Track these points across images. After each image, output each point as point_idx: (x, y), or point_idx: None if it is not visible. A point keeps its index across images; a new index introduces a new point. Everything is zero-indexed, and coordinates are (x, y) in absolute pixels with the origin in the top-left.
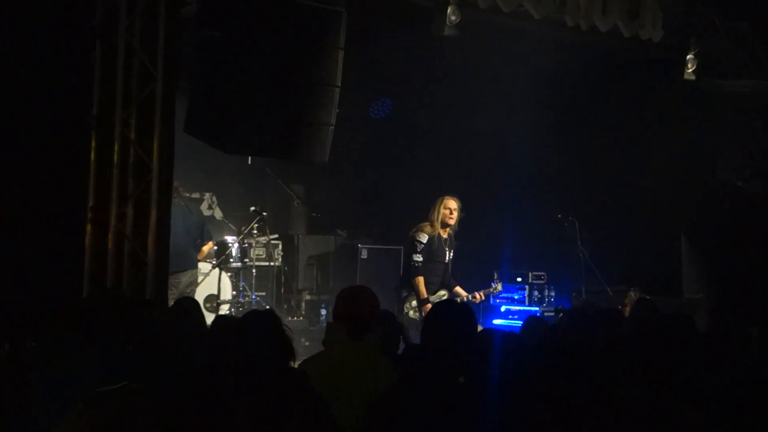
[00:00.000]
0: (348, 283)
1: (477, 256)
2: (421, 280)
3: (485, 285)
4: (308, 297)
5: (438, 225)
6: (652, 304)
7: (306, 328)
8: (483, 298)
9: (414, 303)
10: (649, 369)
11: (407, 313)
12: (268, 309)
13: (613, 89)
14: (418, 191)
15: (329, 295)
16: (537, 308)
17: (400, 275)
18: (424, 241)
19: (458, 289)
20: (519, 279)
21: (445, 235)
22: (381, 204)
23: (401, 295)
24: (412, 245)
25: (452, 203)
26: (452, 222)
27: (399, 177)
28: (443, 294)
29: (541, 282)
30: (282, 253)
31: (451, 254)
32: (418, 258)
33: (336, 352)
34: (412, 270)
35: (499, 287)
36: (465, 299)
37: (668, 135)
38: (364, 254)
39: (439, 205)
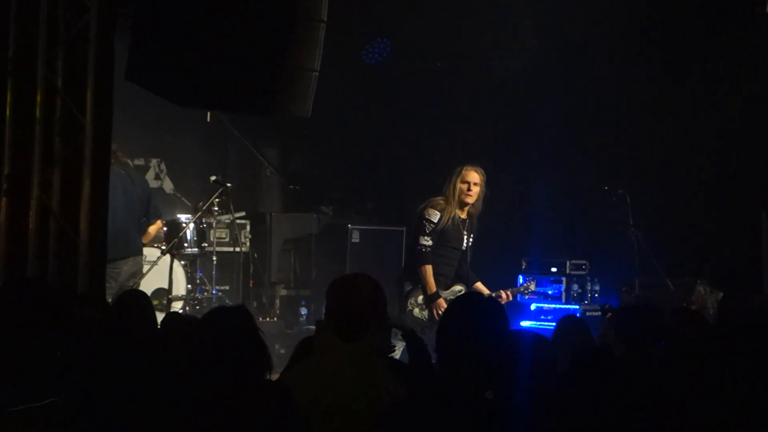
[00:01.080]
0: (334, 275)
1: (499, 238)
2: (429, 269)
3: (510, 280)
4: (284, 292)
5: (454, 202)
6: (748, 302)
7: (281, 331)
8: (510, 298)
9: (420, 299)
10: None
11: (411, 311)
12: (239, 305)
13: (673, 26)
14: (423, 157)
15: (311, 290)
16: (577, 306)
17: (403, 264)
18: (435, 220)
19: (479, 285)
20: (553, 269)
21: (463, 215)
22: (377, 173)
23: (404, 289)
24: (419, 225)
25: (473, 175)
26: (471, 200)
27: (399, 139)
28: (459, 290)
29: (582, 273)
30: (250, 236)
31: (471, 240)
32: (427, 241)
33: (327, 359)
34: (419, 256)
35: (532, 286)
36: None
37: (745, 85)
38: (356, 237)
39: (456, 178)
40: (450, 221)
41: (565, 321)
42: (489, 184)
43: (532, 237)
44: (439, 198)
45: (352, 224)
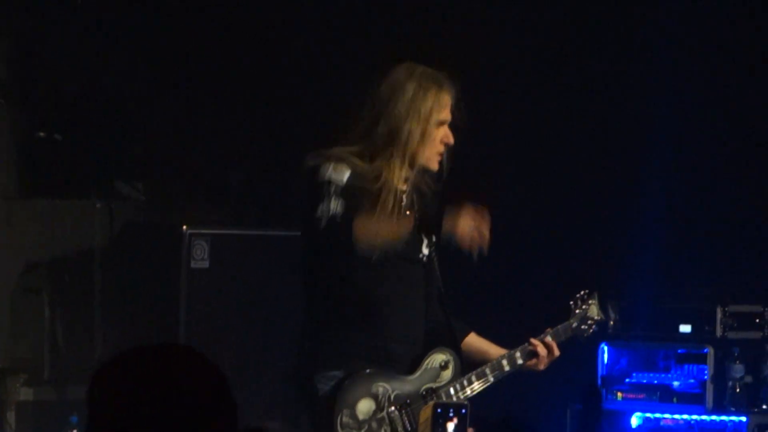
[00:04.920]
0: (147, 338)
1: (545, 260)
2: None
3: (557, 316)
4: (27, 392)
5: (402, 160)
6: None
7: None
8: (555, 343)
9: (362, 405)
10: None
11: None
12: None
13: None
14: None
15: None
16: (743, 418)
17: (304, 309)
18: (343, 180)
19: (473, 339)
20: (684, 327)
21: (404, 186)
22: (253, 109)
23: (316, 386)
24: (312, 197)
25: (447, 97)
26: (441, 157)
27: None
28: (444, 360)
29: (755, 336)
30: None
31: (433, 246)
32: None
33: None
34: (326, 280)
35: (595, 310)
36: (501, 367)
37: None
38: (201, 253)
39: (420, 104)
40: (386, 194)
41: None
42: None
43: (634, 253)
44: (342, 147)
45: (191, 225)
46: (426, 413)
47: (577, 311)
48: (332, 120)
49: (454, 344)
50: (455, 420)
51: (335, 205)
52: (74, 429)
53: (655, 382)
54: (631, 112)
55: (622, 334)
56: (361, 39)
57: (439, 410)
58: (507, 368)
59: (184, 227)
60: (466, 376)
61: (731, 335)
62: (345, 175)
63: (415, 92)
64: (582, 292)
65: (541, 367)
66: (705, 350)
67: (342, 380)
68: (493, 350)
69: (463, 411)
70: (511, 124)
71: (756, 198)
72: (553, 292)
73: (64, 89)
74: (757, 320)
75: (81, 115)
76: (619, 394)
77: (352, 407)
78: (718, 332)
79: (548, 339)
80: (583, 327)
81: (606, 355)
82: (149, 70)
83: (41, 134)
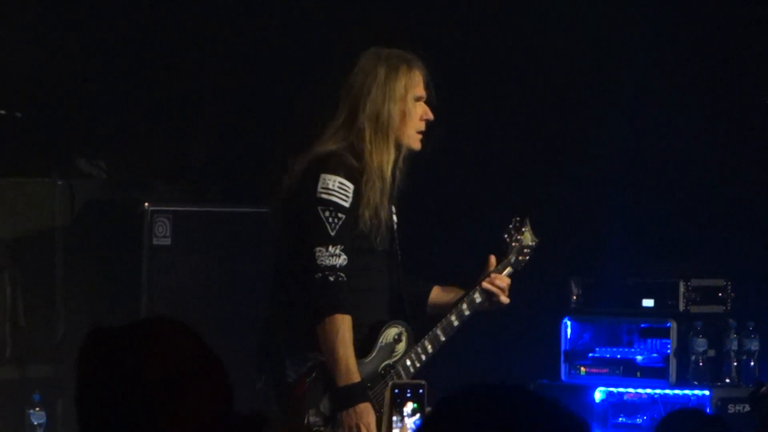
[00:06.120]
0: (113, 321)
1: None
2: (343, 324)
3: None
4: None
5: (388, 150)
6: None
7: None
8: (503, 277)
9: (325, 404)
10: None
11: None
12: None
13: None
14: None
15: (55, 365)
16: (706, 391)
17: (268, 315)
18: (347, 198)
19: (437, 293)
20: (647, 302)
21: (389, 172)
22: (214, 81)
23: (283, 375)
24: (312, 220)
25: (418, 73)
26: (422, 135)
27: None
28: (396, 333)
29: (718, 310)
30: None
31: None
32: (335, 256)
33: None
34: (320, 295)
35: (529, 237)
36: (477, 302)
37: None
38: (163, 230)
39: (395, 85)
40: (378, 198)
41: (681, 426)
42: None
43: (598, 230)
44: (333, 144)
45: (152, 202)
46: (389, 394)
47: (514, 244)
48: (294, 97)
49: (404, 316)
50: (413, 400)
51: (339, 226)
52: (36, 407)
53: (618, 356)
54: (596, 90)
55: (585, 309)
56: (314, 17)
57: (396, 391)
58: (456, 322)
59: (146, 204)
60: (419, 344)
61: (694, 309)
62: (350, 195)
63: (387, 74)
64: (513, 221)
65: (504, 299)
66: (668, 324)
67: (307, 374)
68: (455, 298)
69: (420, 391)
70: (484, 102)
71: (719, 173)
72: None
73: (23, 66)
74: (720, 294)
75: (41, 92)
76: (582, 369)
77: (317, 405)
78: (681, 306)
79: (492, 265)
80: (520, 258)
81: (569, 330)
82: (110, 47)
83: (1, 112)
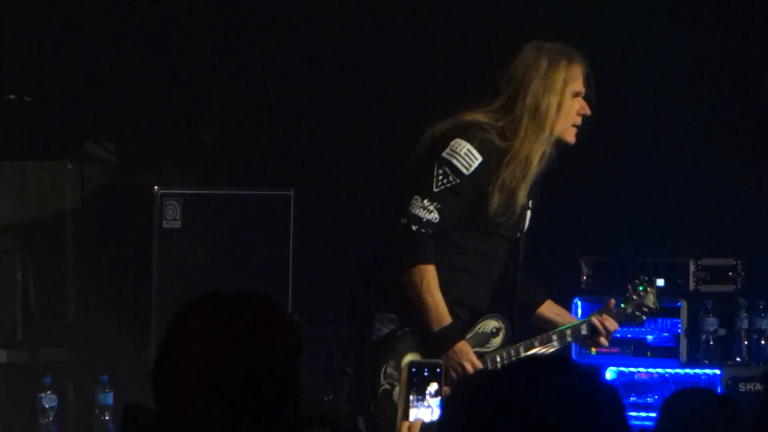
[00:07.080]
0: (125, 305)
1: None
2: (428, 273)
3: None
4: (2, 354)
5: (539, 138)
6: None
7: None
8: (613, 322)
9: (407, 358)
10: None
11: (388, 390)
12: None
13: None
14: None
15: (68, 348)
16: (717, 370)
17: (372, 261)
18: (474, 164)
19: (549, 306)
20: (660, 281)
21: (535, 170)
22: (227, 61)
23: (370, 330)
24: (423, 173)
25: (578, 68)
26: (576, 129)
27: None
28: (495, 327)
29: (728, 288)
30: None
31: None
32: (429, 211)
33: None
34: (404, 241)
35: (652, 299)
36: (582, 334)
37: None
38: (173, 213)
39: (555, 77)
40: (515, 184)
41: (678, 400)
42: None
43: (608, 210)
44: (483, 118)
45: (162, 185)
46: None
47: (635, 297)
48: (303, 80)
49: (511, 315)
50: (432, 380)
51: (447, 186)
52: (48, 390)
53: (629, 336)
54: (607, 69)
55: (596, 289)
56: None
57: (413, 369)
58: (555, 344)
59: (156, 187)
60: (514, 346)
61: (704, 288)
62: (473, 165)
63: (548, 66)
64: (642, 278)
65: (604, 342)
66: (678, 304)
67: (395, 330)
68: (561, 320)
69: (438, 370)
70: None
71: (729, 152)
72: (531, 251)
73: (33, 51)
74: (730, 273)
75: (51, 76)
76: (593, 349)
77: (398, 360)
78: (691, 286)
79: (607, 317)
80: (637, 313)
81: (579, 310)
82: (119, 30)
83: (11, 96)
